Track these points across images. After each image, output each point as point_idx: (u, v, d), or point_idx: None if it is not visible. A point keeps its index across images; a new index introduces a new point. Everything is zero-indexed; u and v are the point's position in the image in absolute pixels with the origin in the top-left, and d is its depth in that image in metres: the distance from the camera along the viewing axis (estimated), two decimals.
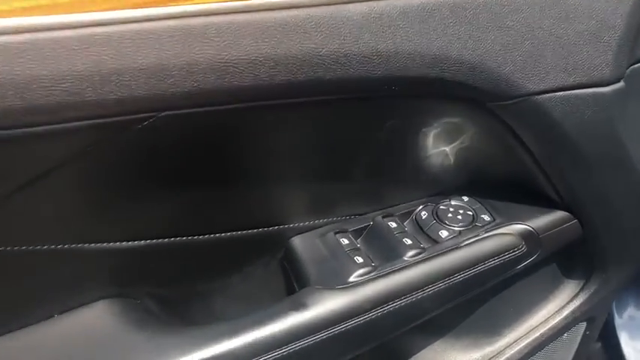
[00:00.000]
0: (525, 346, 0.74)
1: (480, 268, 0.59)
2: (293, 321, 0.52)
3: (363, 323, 0.54)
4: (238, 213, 0.56)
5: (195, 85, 0.42)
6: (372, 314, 0.54)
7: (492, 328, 0.75)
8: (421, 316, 0.59)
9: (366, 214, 0.63)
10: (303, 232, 0.61)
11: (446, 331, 0.76)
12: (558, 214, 0.64)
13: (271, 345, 0.50)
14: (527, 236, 0.62)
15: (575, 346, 0.82)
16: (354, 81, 0.46)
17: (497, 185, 0.66)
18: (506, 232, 0.62)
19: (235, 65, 0.42)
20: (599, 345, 1.13)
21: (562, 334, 0.77)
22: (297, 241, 0.60)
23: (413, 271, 0.57)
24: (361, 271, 0.56)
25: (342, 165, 0.58)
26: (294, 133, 0.52)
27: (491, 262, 0.60)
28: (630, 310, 1.08)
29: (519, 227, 0.62)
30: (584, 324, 0.80)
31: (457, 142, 0.61)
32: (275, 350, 0.50)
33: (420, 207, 0.64)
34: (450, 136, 0.60)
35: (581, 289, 0.74)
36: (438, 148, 0.61)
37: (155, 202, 0.51)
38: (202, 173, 0.51)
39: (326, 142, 0.55)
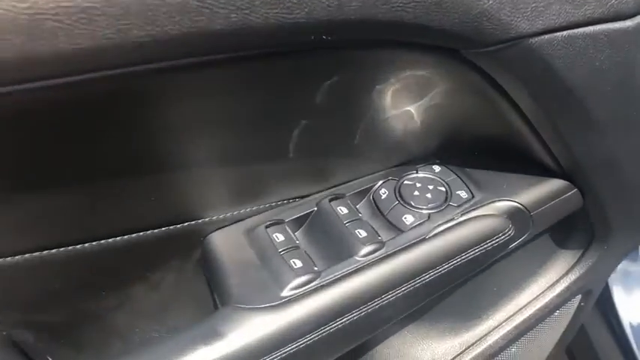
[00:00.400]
0: (512, 329, 0.62)
1: (454, 262, 0.46)
2: (206, 356, 0.38)
3: (301, 349, 0.41)
4: (134, 210, 0.42)
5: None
6: (315, 336, 0.41)
7: (472, 312, 0.63)
8: (380, 327, 0.47)
9: (308, 196, 0.49)
10: (225, 227, 0.47)
11: (417, 317, 0.64)
12: (555, 184, 0.51)
13: None
14: (515, 215, 0.49)
15: (567, 320, 0.71)
16: (259, 31, 0.30)
17: (477, 151, 0.52)
18: (489, 212, 0.48)
19: (57, 18, 0.26)
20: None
21: (554, 312, 0.66)
22: (216, 239, 0.46)
23: (367, 274, 0.43)
24: (299, 280, 0.42)
25: (273, 138, 0.43)
26: (192, 103, 0.37)
27: (470, 254, 0.47)
28: (625, 264, 0.98)
29: (505, 205, 0.49)
30: (579, 297, 0.68)
31: (424, 100, 0.46)
32: None
33: (380, 183, 0.50)
34: (414, 92, 0.45)
35: (578, 262, 0.62)
36: (400, 107, 0.46)
37: (5, 208, 0.37)
38: (70, 165, 0.36)
39: (243, 111, 0.40)
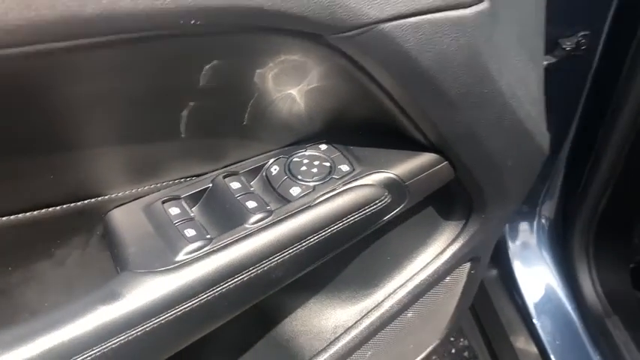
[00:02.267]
0: (405, 295, 0.69)
1: (337, 226, 0.52)
2: (105, 316, 0.42)
3: (195, 308, 0.45)
4: (37, 187, 0.45)
5: None
6: (207, 296, 0.46)
7: (369, 280, 0.69)
8: (271, 288, 0.52)
9: (205, 174, 0.53)
10: (125, 204, 0.50)
11: (322, 288, 0.69)
12: (426, 157, 0.57)
13: (77, 347, 0.41)
14: (391, 185, 0.55)
15: (461, 286, 0.78)
16: (131, 15, 0.35)
17: (358, 130, 0.58)
18: (367, 182, 0.54)
19: None
20: (495, 273, 1.12)
21: (444, 278, 0.73)
22: (116, 215, 0.50)
23: (256, 239, 0.48)
24: (192, 246, 0.46)
25: (164, 118, 0.48)
26: (83, 83, 0.41)
27: (350, 219, 0.53)
28: (523, 237, 1.07)
29: (382, 176, 0.54)
30: (468, 264, 0.75)
31: (304, 84, 0.51)
32: (83, 353, 0.41)
33: (271, 161, 0.55)
34: (294, 76, 0.50)
35: (462, 231, 0.69)
36: (282, 91, 0.51)
37: None
38: None
39: (134, 92, 0.44)
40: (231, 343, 0.68)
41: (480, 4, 0.47)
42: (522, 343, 1.07)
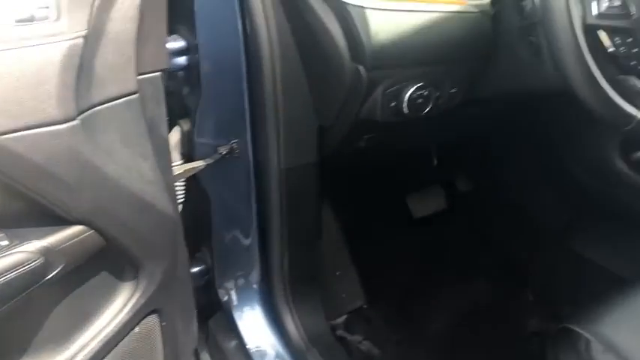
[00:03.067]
0: (97, 345, 0.89)
1: None
2: None
3: None
4: None
5: None
6: None
7: (64, 336, 0.88)
8: None
9: None
10: None
11: (23, 349, 0.86)
12: (74, 229, 0.80)
13: None
14: (43, 251, 0.77)
15: (158, 335, 0.99)
16: None
17: (22, 214, 0.80)
18: (22, 250, 0.76)
19: None
20: (235, 343, 1.35)
21: (133, 329, 0.94)
22: None
23: None
24: None
25: None
26: None
27: (9, 275, 0.73)
28: (243, 303, 1.33)
29: (35, 245, 0.77)
30: (156, 316, 0.98)
31: None
32: None
33: None
34: None
35: (136, 287, 0.92)
36: None
37: None
38: None
39: None
40: None
41: (72, 122, 0.74)
42: None
